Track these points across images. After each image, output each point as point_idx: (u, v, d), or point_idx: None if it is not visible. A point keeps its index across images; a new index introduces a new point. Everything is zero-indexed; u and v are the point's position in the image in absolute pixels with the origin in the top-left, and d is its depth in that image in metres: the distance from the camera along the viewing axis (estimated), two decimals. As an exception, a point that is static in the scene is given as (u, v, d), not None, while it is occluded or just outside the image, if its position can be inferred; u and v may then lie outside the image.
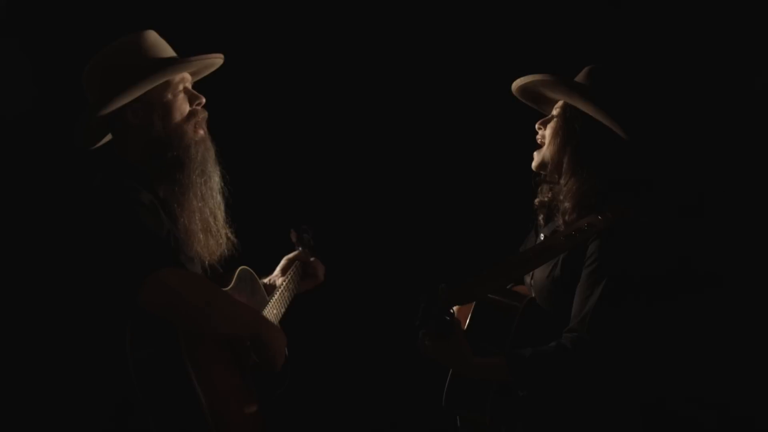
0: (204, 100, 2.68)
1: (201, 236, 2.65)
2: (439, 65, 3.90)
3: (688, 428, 3.63)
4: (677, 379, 3.59)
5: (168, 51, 2.67)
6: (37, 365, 3.46)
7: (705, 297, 3.59)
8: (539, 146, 2.75)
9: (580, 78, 2.71)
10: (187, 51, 2.69)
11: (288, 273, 3.10)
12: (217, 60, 2.74)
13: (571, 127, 2.65)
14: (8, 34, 3.63)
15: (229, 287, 2.69)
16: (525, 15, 3.78)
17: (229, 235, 2.74)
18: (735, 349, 3.57)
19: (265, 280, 3.08)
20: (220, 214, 2.71)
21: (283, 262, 3.17)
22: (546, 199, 2.75)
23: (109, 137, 2.70)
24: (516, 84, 2.77)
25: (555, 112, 2.72)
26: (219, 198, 2.70)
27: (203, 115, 2.68)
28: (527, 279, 2.81)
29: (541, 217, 2.79)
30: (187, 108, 2.65)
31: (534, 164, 2.75)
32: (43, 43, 3.66)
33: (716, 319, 3.59)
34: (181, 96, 2.64)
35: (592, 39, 3.65)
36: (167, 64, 2.60)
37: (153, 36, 2.65)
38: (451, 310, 2.52)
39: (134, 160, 2.61)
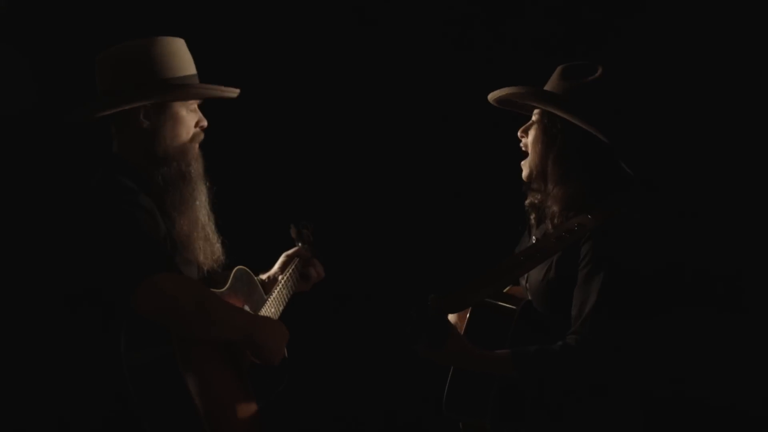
0: (206, 124, 2.72)
1: (201, 243, 2.68)
2: (436, 68, 3.89)
3: (690, 426, 3.63)
4: (680, 376, 3.58)
5: (190, 66, 2.68)
6: (30, 367, 3.47)
7: (701, 293, 3.58)
8: (526, 153, 2.73)
9: (552, 81, 2.68)
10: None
11: (287, 270, 3.08)
12: (231, 93, 2.76)
13: (550, 133, 2.63)
14: (9, 33, 3.63)
15: (225, 287, 2.70)
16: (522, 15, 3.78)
17: (220, 250, 2.75)
18: (736, 346, 3.56)
19: (263, 277, 3.07)
20: (212, 225, 2.73)
21: (282, 258, 3.15)
22: (536, 201, 2.73)
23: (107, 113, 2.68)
24: (491, 97, 2.75)
25: (534, 118, 2.70)
26: (209, 209, 2.73)
27: (201, 137, 2.71)
28: (522, 282, 2.80)
29: (533, 217, 2.77)
30: (192, 127, 2.68)
31: (524, 175, 2.73)
32: (44, 42, 3.66)
33: (715, 316, 3.58)
34: (192, 114, 2.68)
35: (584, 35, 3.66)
36: (193, 87, 2.64)
37: (182, 46, 2.67)
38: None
39: (135, 161, 2.62)
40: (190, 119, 2.66)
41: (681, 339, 3.60)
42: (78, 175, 2.61)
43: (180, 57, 2.65)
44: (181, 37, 2.70)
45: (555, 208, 2.62)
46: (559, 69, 2.68)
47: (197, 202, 2.66)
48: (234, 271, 2.77)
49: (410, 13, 3.87)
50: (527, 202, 2.75)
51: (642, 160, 2.68)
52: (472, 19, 3.85)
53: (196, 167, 2.67)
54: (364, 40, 3.90)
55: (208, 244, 2.69)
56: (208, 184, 2.72)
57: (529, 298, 2.72)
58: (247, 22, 3.87)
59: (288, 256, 3.15)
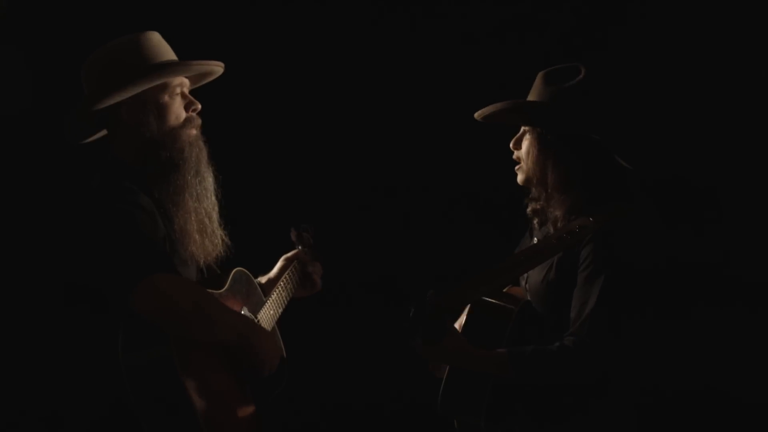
0: (200, 107, 2.68)
1: (197, 237, 2.65)
2: (435, 70, 3.90)
3: (686, 427, 3.63)
4: (677, 378, 3.59)
5: (169, 53, 2.67)
6: (29, 367, 3.47)
7: (702, 294, 3.58)
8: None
9: (536, 88, 2.67)
10: (184, 53, 2.70)
11: (286, 273, 3.07)
12: (216, 68, 2.73)
13: (544, 141, 2.63)
14: (8, 33, 3.64)
15: (223, 289, 2.69)
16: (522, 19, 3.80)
17: (224, 237, 2.74)
18: (734, 347, 3.56)
19: (262, 280, 3.06)
20: (215, 215, 2.71)
21: (280, 261, 3.14)
22: (538, 206, 2.72)
23: (102, 134, 2.71)
24: (478, 115, 2.73)
25: (525, 128, 2.70)
26: (213, 199, 2.70)
27: (198, 121, 2.67)
28: (522, 282, 2.80)
29: (536, 221, 2.77)
30: (182, 113, 2.65)
31: (519, 180, 2.73)
32: (43, 42, 3.68)
33: (714, 317, 3.58)
34: (178, 99, 2.64)
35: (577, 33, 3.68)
36: (166, 66, 2.60)
37: (156, 37, 2.66)
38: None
39: (130, 160, 2.62)
40: (175, 105, 2.62)
41: (680, 341, 3.61)
42: (79, 176, 2.61)
43: (148, 47, 2.61)
44: (185, 40, 2.72)
45: (557, 213, 2.63)
46: (541, 75, 2.68)
47: (195, 191, 2.62)
48: (233, 272, 2.76)
49: (412, 14, 3.88)
50: (529, 209, 2.74)
51: (637, 157, 2.68)
52: (470, 20, 3.86)
53: (193, 153, 2.63)
54: (365, 43, 3.91)
55: (205, 237, 2.65)
56: (214, 172, 2.69)
57: (529, 298, 2.72)
58: (252, 22, 3.89)
59: (287, 260, 3.13)
